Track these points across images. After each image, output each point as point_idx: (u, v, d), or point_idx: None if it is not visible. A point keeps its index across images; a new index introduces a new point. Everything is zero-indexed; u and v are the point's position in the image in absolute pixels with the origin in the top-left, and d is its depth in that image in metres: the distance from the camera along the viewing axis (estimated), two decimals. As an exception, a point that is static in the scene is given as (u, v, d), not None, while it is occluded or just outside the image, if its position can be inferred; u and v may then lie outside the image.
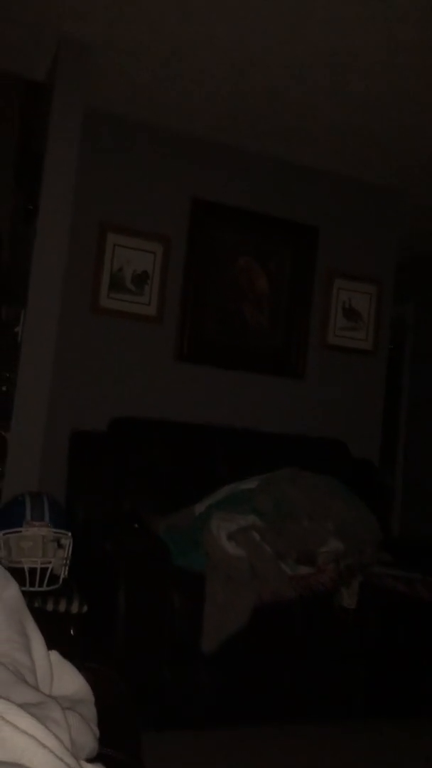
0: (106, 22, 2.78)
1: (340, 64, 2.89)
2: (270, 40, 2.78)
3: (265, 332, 3.76)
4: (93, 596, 2.34)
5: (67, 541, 2.37)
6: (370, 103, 3.18)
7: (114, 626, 2.29)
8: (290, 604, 2.50)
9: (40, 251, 2.87)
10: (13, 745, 0.54)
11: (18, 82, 3.55)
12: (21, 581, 1.92)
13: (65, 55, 2.93)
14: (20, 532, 2.31)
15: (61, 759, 0.56)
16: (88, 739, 0.73)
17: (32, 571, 2.26)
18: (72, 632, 2.25)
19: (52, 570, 2.31)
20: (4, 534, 2.31)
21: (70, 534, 2.38)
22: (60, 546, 2.38)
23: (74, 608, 2.26)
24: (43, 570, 2.28)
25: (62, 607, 2.25)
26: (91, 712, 0.81)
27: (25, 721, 0.57)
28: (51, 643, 0.84)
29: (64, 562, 2.36)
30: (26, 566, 2.24)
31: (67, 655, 0.86)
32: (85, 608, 2.28)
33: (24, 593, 0.87)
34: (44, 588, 2.26)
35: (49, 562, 2.31)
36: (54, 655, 0.83)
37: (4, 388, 3.10)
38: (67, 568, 2.37)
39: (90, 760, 0.74)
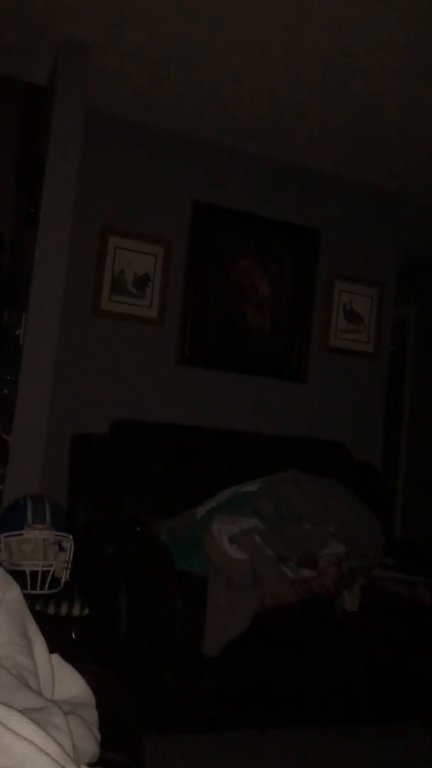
0: (106, 25, 2.79)
1: (340, 65, 2.89)
2: (270, 41, 2.78)
3: (266, 335, 3.76)
4: (94, 599, 2.34)
5: (69, 544, 2.37)
6: (371, 105, 3.18)
7: (115, 629, 2.29)
8: (292, 608, 2.49)
9: (41, 254, 2.87)
10: (14, 752, 0.54)
11: (19, 85, 3.56)
12: (22, 584, 1.92)
13: (66, 58, 2.94)
14: (21, 535, 2.31)
15: (62, 766, 0.55)
16: (89, 743, 0.73)
17: (33, 574, 2.25)
18: (73, 635, 2.24)
19: (53, 573, 2.31)
20: (5, 537, 2.31)
21: (71, 537, 2.38)
22: (61, 549, 2.38)
23: (75, 611, 2.26)
24: (45, 573, 2.27)
25: (63, 610, 2.25)
26: (92, 715, 0.81)
27: (26, 727, 0.56)
28: (52, 647, 0.83)
29: (66, 565, 2.36)
30: (27, 569, 2.24)
31: (68, 658, 0.86)
32: (86, 611, 2.28)
33: (25, 596, 0.86)
34: (45, 591, 2.26)
35: (51, 565, 2.30)
36: (56, 658, 0.82)
37: (5, 391, 3.10)
38: (68, 571, 2.37)
39: (92, 765, 0.73)
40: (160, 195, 3.58)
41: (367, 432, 3.97)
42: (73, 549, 2.37)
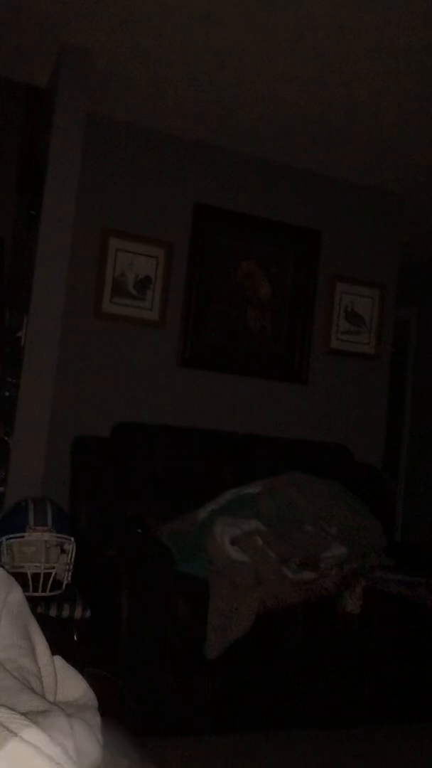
0: (107, 28, 2.79)
1: (340, 67, 2.89)
2: (270, 46, 2.79)
3: (267, 336, 3.76)
4: (96, 602, 2.34)
5: (70, 546, 2.37)
6: (372, 107, 3.18)
7: (117, 632, 2.28)
8: (294, 610, 2.49)
9: (42, 256, 2.87)
10: (18, 756, 0.54)
11: (20, 88, 3.56)
12: (24, 586, 1.92)
13: (67, 61, 2.94)
14: (23, 537, 2.31)
15: (65, 770, 0.55)
16: (92, 747, 0.72)
17: (35, 576, 2.25)
18: (75, 638, 2.24)
19: (55, 575, 2.31)
20: (7, 539, 2.31)
21: (72, 539, 2.38)
22: (63, 551, 2.38)
23: (77, 614, 2.26)
24: (46, 575, 2.28)
25: (65, 612, 2.25)
26: (94, 718, 0.81)
27: (29, 731, 0.56)
28: (54, 649, 0.84)
29: (67, 567, 2.36)
30: (29, 571, 2.24)
31: (70, 660, 0.86)
32: (88, 614, 2.28)
33: (27, 599, 0.86)
34: (47, 593, 2.26)
35: (52, 568, 2.30)
36: (58, 660, 0.82)
37: (7, 393, 3.10)
38: (70, 573, 2.37)
39: (94, 768, 0.73)
40: (161, 197, 3.59)
41: (369, 433, 3.97)
42: (74, 551, 2.37)
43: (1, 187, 4.07)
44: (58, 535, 2.35)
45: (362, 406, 3.96)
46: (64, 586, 2.33)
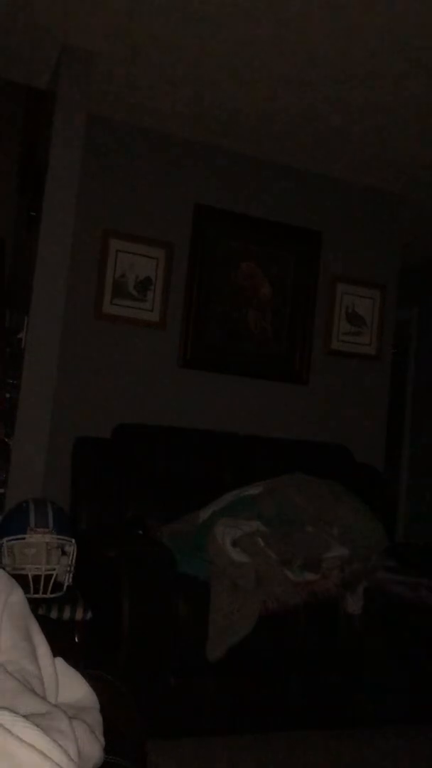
0: (108, 31, 2.79)
1: (340, 69, 2.89)
2: (270, 47, 2.79)
3: (268, 338, 3.76)
4: (97, 603, 2.34)
5: (71, 547, 2.37)
6: (372, 108, 3.18)
7: (118, 633, 2.28)
8: (295, 611, 2.49)
9: (43, 257, 2.87)
10: (19, 758, 0.53)
11: (21, 89, 3.56)
12: (25, 588, 1.91)
13: (68, 63, 2.94)
14: (24, 538, 2.30)
15: (66, 772, 0.55)
16: (94, 749, 0.72)
17: (36, 578, 2.25)
18: (76, 639, 2.24)
19: (56, 577, 2.30)
20: (8, 541, 2.31)
21: (73, 541, 2.37)
22: (64, 553, 2.38)
23: (78, 615, 2.26)
24: (47, 577, 2.27)
25: (66, 614, 2.24)
26: (96, 720, 0.80)
27: (30, 733, 0.56)
28: (55, 651, 0.83)
29: (69, 569, 2.35)
30: (30, 573, 2.24)
31: (71, 662, 0.85)
32: (89, 615, 2.27)
33: (28, 600, 0.86)
34: (48, 595, 2.25)
35: (53, 569, 2.30)
36: (59, 662, 0.82)
37: (7, 395, 3.10)
38: (71, 575, 2.36)
39: (96, 770, 0.73)
40: (162, 198, 3.59)
41: (370, 434, 3.96)
42: (75, 553, 2.37)
43: (1, 188, 4.08)
44: (59, 536, 2.35)
45: (363, 406, 3.95)
46: (65, 587, 2.32)
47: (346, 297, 3.93)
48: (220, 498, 2.92)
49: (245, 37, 2.75)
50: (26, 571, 2.24)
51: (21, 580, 2.11)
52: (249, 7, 2.57)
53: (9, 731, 0.55)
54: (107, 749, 0.77)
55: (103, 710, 0.84)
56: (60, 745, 0.58)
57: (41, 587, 2.24)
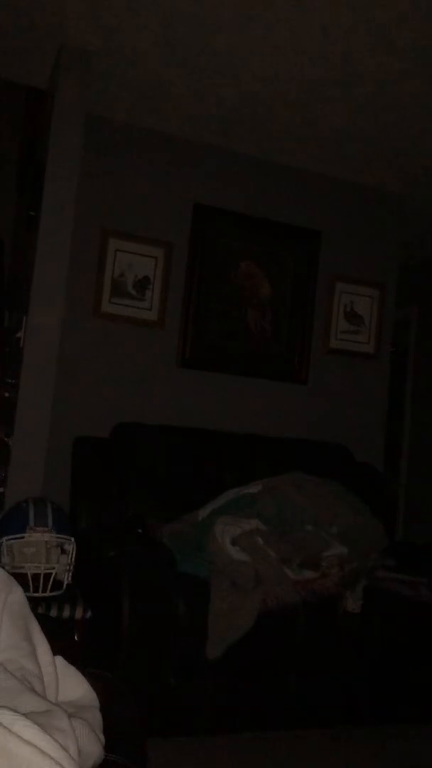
0: (106, 29, 2.79)
1: (340, 68, 2.89)
2: (270, 46, 2.79)
3: (267, 337, 3.76)
4: (97, 602, 2.34)
5: (71, 546, 2.37)
6: (371, 107, 3.18)
7: (118, 632, 2.28)
8: (294, 609, 2.49)
9: (42, 257, 2.87)
10: (19, 757, 0.54)
11: (19, 89, 3.56)
12: (24, 587, 1.92)
13: (66, 62, 2.94)
14: (23, 538, 2.31)
15: (66, 771, 0.55)
16: (94, 747, 0.72)
17: (35, 577, 2.25)
18: (76, 638, 2.24)
19: (55, 576, 2.30)
20: (7, 540, 2.31)
21: (73, 539, 2.37)
22: (63, 552, 2.38)
23: (78, 614, 2.26)
24: (47, 576, 2.27)
25: (66, 613, 2.24)
26: (96, 718, 0.81)
27: (30, 732, 0.56)
28: (55, 649, 0.83)
29: (68, 567, 2.36)
30: (29, 572, 2.24)
31: (71, 661, 0.85)
32: (89, 614, 2.27)
33: (27, 599, 0.86)
34: (48, 594, 2.25)
35: (53, 568, 2.30)
36: (59, 660, 0.82)
37: (6, 394, 3.10)
38: (70, 573, 2.36)
39: (96, 768, 0.73)
40: (161, 197, 3.59)
41: (369, 433, 3.97)
42: (75, 552, 2.37)
43: (0, 187, 4.07)
44: (59, 535, 2.35)
45: (362, 405, 3.96)
46: (64, 586, 2.32)
47: (345, 296, 3.93)
48: (220, 497, 2.92)
49: (244, 37, 2.75)
50: (26, 569, 2.24)
51: (20, 578, 2.11)
52: (247, 7, 2.57)
53: (9, 730, 0.55)
54: (107, 747, 0.77)
55: (103, 709, 0.84)
56: (60, 744, 0.58)
57: (41, 586, 2.25)
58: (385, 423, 4.06)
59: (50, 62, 3.06)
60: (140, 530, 2.81)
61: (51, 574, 2.28)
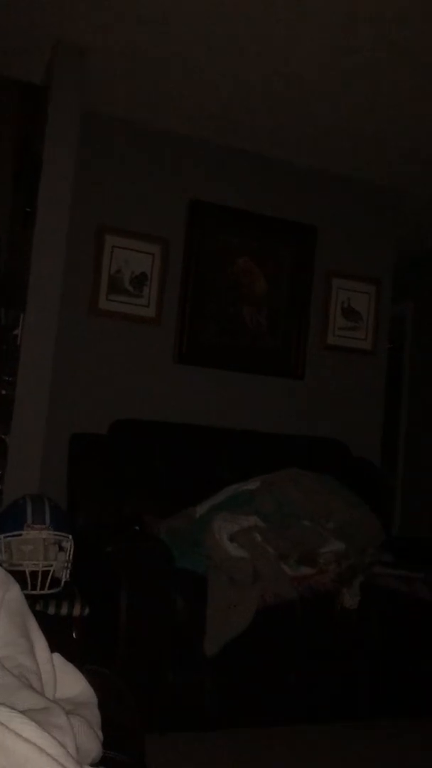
0: (102, 25, 2.78)
1: (337, 64, 2.89)
2: (266, 42, 2.78)
3: (264, 333, 3.76)
4: (95, 599, 2.34)
5: (69, 543, 2.37)
6: (368, 103, 3.18)
7: (116, 628, 2.29)
8: (292, 605, 2.50)
9: (38, 253, 2.87)
10: (17, 754, 0.54)
11: (16, 85, 3.55)
12: (22, 584, 1.91)
13: (62, 58, 2.93)
14: (21, 535, 2.31)
15: (65, 767, 0.55)
16: (92, 743, 0.72)
17: (33, 574, 2.25)
18: (74, 635, 2.24)
19: (53, 573, 2.30)
20: (5, 537, 2.31)
21: (71, 537, 2.38)
22: (61, 549, 2.38)
23: (76, 611, 2.26)
24: (45, 573, 2.27)
25: (64, 610, 2.25)
26: (94, 715, 0.81)
27: (28, 729, 0.56)
28: (53, 646, 0.83)
29: (66, 565, 2.36)
30: (27, 569, 2.24)
31: (69, 658, 0.85)
32: (86, 611, 2.28)
33: (25, 596, 0.86)
34: (46, 591, 2.25)
35: (51, 565, 2.30)
36: (57, 657, 0.82)
37: (3, 392, 3.09)
38: (68, 571, 2.37)
39: (95, 765, 0.73)
40: (157, 194, 3.58)
41: (366, 429, 3.97)
42: (72, 549, 2.37)
43: (-4, 184, 4.06)
44: (56, 532, 2.35)
45: (359, 401, 3.96)
46: (62, 583, 2.33)
47: (342, 292, 3.93)
48: (217, 493, 2.93)
49: (241, 33, 2.75)
50: (23, 567, 2.24)
51: (18, 576, 2.11)
52: (244, 2, 2.57)
53: (6, 727, 0.55)
54: (105, 744, 0.77)
55: (101, 705, 0.84)
56: (58, 741, 0.58)
57: (38, 583, 2.25)
58: (381, 418, 4.07)
59: (46, 58, 3.05)
60: (138, 527, 2.81)
61: (49, 571, 2.29)
